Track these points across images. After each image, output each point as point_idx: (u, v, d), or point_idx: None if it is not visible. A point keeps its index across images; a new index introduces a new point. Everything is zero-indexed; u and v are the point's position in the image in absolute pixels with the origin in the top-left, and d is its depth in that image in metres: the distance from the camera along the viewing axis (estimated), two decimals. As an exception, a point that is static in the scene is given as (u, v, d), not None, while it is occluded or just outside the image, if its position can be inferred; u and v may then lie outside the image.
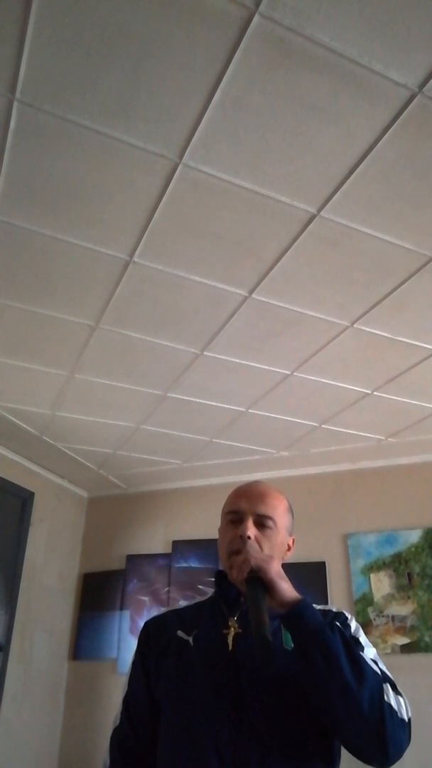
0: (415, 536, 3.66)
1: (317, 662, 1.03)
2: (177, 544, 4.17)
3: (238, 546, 1.24)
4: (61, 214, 1.85)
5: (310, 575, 3.80)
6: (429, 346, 2.56)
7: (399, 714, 1.06)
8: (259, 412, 3.21)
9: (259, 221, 1.87)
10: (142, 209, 1.83)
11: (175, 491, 4.38)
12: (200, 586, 3.98)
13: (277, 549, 1.27)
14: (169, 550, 4.17)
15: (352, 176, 1.69)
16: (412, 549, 3.64)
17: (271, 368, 2.76)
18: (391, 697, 1.05)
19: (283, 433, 3.51)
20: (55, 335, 2.49)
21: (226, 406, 3.14)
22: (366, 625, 3.57)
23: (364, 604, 3.62)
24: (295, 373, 2.80)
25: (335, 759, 1.16)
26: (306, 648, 1.05)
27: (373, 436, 3.54)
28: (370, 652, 1.13)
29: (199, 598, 1.39)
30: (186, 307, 2.30)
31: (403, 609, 3.53)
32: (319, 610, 1.18)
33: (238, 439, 3.60)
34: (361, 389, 2.95)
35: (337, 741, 1.14)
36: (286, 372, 2.79)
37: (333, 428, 3.42)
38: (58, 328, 2.43)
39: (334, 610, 1.26)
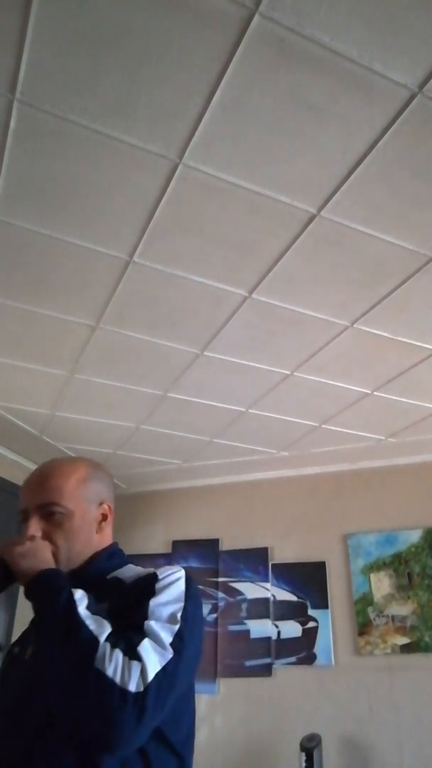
0: (415, 536, 3.66)
1: (35, 633, 0.99)
2: (177, 544, 4.17)
3: None
4: (61, 214, 1.85)
5: (310, 575, 3.80)
6: (429, 346, 2.56)
7: (117, 682, 0.87)
8: (259, 412, 3.21)
9: (259, 221, 1.87)
10: (142, 209, 1.83)
11: (175, 491, 4.38)
12: (200, 587, 3.98)
13: (77, 532, 1.14)
14: (169, 550, 4.17)
15: (352, 176, 1.69)
16: (412, 549, 3.64)
17: (271, 368, 2.76)
18: (110, 663, 0.88)
19: (283, 433, 3.51)
20: (55, 335, 2.49)
21: (226, 406, 3.14)
22: (366, 625, 3.57)
23: (364, 604, 3.62)
24: (295, 373, 2.80)
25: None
26: (34, 621, 1.01)
27: (373, 436, 3.54)
28: (159, 612, 0.98)
29: None
30: (186, 307, 2.30)
31: (403, 609, 3.53)
32: (142, 576, 1.09)
33: (238, 439, 3.60)
34: (361, 389, 2.95)
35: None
36: (286, 372, 2.79)
37: (333, 428, 3.42)
38: (58, 328, 2.43)
39: (150, 572, 1.09)
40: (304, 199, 1.78)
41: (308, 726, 3.31)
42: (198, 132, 1.57)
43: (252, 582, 3.92)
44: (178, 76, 1.43)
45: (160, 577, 1.06)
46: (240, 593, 3.91)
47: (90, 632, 0.92)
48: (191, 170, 1.69)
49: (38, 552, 1.05)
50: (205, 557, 4.08)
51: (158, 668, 0.91)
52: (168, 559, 4.11)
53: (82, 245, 1.97)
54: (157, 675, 0.90)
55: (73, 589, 0.99)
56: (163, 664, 0.92)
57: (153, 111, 1.52)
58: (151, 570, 1.11)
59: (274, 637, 3.73)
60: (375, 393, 2.98)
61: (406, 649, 3.45)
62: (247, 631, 3.79)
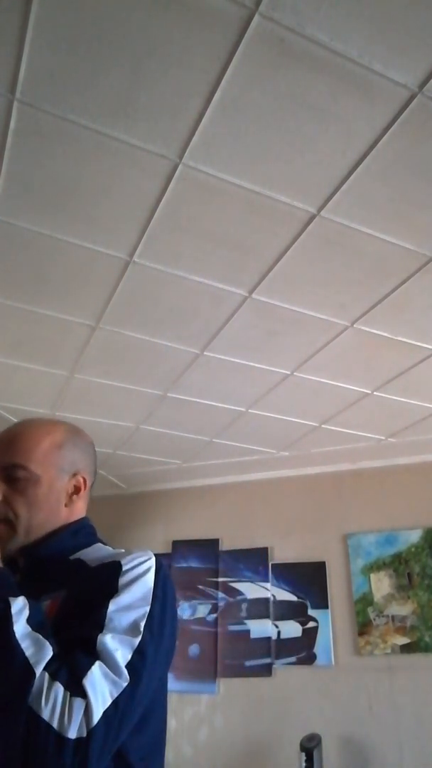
0: (415, 536, 3.66)
1: None
2: (177, 544, 4.17)
3: None
4: (61, 214, 1.85)
5: (310, 575, 3.80)
6: (429, 346, 2.56)
7: (54, 726, 0.72)
8: (259, 412, 3.21)
9: (259, 221, 1.87)
10: (142, 209, 1.83)
11: (175, 491, 4.38)
12: (200, 587, 3.99)
13: (41, 501, 1.01)
14: (169, 550, 4.17)
15: (352, 176, 1.69)
16: (412, 549, 3.65)
17: (271, 368, 2.76)
18: (47, 701, 0.73)
19: (283, 433, 3.51)
20: (55, 335, 2.49)
21: (226, 406, 3.14)
22: (366, 625, 3.57)
23: (364, 604, 3.62)
24: (295, 373, 2.79)
25: None
26: None
27: (373, 436, 3.54)
28: (119, 620, 0.84)
29: None
30: (186, 307, 2.30)
31: (403, 609, 3.53)
32: (106, 563, 0.95)
33: (238, 439, 3.60)
34: (361, 389, 2.95)
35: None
36: (286, 372, 2.79)
37: (333, 428, 3.42)
38: (58, 328, 2.43)
39: (114, 560, 0.95)
40: (304, 199, 1.78)
41: (308, 726, 3.31)
42: (198, 132, 1.57)
43: (252, 582, 3.92)
44: (178, 76, 1.43)
45: (124, 568, 0.91)
46: (240, 593, 3.91)
47: (25, 659, 0.76)
48: (191, 170, 1.69)
49: None
50: (205, 557, 4.08)
51: (108, 704, 0.76)
52: (168, 559, 4.11)
53: (82, 245, 1.97)
54: (105, 714, 0.75)
55: (11, 598, 0.82)
56: (115, 696, 0.77)
57: (153, 111, 1.52)
58: (116, 555, 0.97)
59: (274, 637, 3.73)
60: (375, 393, 2.98)
61: (406, 649, 3.45)
62: (247, 631, 3.79)
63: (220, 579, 3.99)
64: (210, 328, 2.44)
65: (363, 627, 3.57)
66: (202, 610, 3.92)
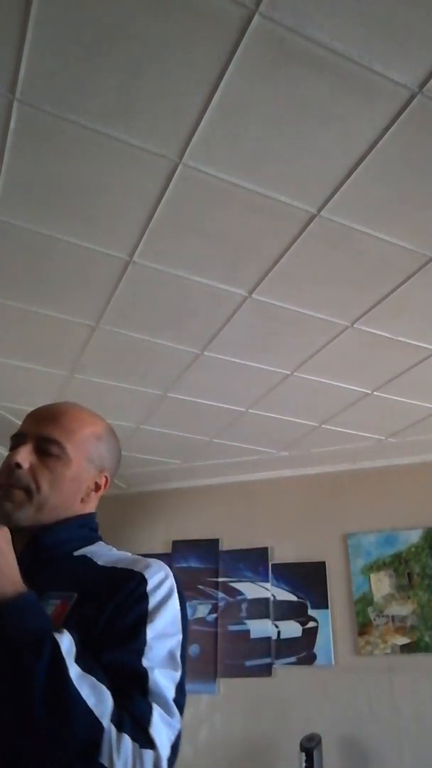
0: (415, 536, 3.66)
1: (4, 694, 0.71)
2: (177, 544, 4.17)
3: (3, 478, 0.95)
4: (61, 214, 1.85)
5: (310, 575, 3.80)
6: (429, 346, 2.56)
7: None
8: (259, 412, 3.21)
9: (259, 221, 1.87)
10: (142, 209, 1.83)
11: (175, 491, 4.38)
12: (200, 587, 3.99)
13: (65, 484, 0.98)
14: (169, 550, 4.17)
15: (352, 176, 1.69)
16: (412, 549, 3.64)
17: (271, 368, 2.76)
18: (119, 756, 0.70)
19: (283, 433, 3.51)
20: (55, 335, 2.49)
21: (226, 406, 3.14)
22: (366, 625, 3.57)
23: (364, 604, 3.62)
24: (295, 373, 2.80)
25: None
26: None
27: (373, 436, 3.54)
28: (157, 650, 0.81)
29: None
30: (186, 307, 2.30)
31: (403, 609, 3.53)
32: (119, 569, 0.91)
33: (238, 439, 3.60)
34: (361, 389, 2.95)
35: None
36: (286, 372, 2.79)
37: (333, 428, 3.42)
38: (58, 328, 2.43)
39: (135, 569, 0.90)
40: (304, 199, 1.78)
41: (308, 726, 3.31)
42: (198, 132, 1.57)
43: (252, 582, 3.92)
44: (178, 76, 1.43)
45: (150, 585, 0.88)
46: (240, 593, 3.91)
47: (90, 713, 0.70)
48: (191, 170, 1.69)
49: (5, 558, 0.80)
50: (205, 557, 4.08)
51: (169, 749, 0.75)
52: (168, 559, 4.11)
53: (82, 245, 1.97)
54: (168, 759, 0.75)
55: (57, 634, 0.74)
56: (173, 740, 0.77)
57: (153, 111, 1.52)
58: (131, 563, 0.93)
59: (274, 637, 3.72)
60: (375, 393, 2.98)
61: (406, 649, 3.45)
62: (247, 631, 3.78)
63: (220, 579, 3.99)
64: (210, 328, 2.44)
65: (363, 627, 3.57)
66: (202, 610, 3.92)
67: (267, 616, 3.79)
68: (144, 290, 2.20)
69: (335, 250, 1.98)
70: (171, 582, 0.91)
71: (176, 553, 4.14)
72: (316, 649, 3.61)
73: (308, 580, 3.79)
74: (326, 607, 3.70)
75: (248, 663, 3.67)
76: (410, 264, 2.05)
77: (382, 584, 3.63)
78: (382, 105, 1.49)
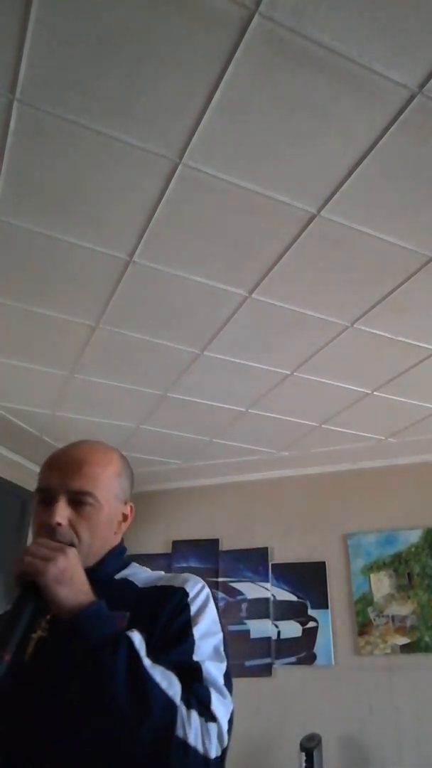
0: (415, 536, 3.66)
1: (86, 690, 0.84)
2: (177, 544, 4.17)
3: (46, 537, 1.01)
4: (61, 214, 1.85)
5: (310, 575, 3.80)
6: (429, 346, 2.56)
7: (200, 750, 0.83)
8: (259, 412, 3.21)
9: (259, 221, 1.87)
10: (142, 209, 1.83)
11: (175, 491, 4.38)
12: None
13: (102, 528, 1.05)
14: (169, 550, 4.17)
15: (352, 176, 1.69)
16: (412, 549, 3.64)
17: (271, 368, 2.76)
18: (191, 728, 0.83)
19: (283, 433, 3.51)
20: (55, 335, 2.49)
21: (226, 406, 3.14)
22: (366, 625, 3.57)
23: (364, 604, 3.62)
24: (295, 373, 2.80)
25: None
26: (78, 669, 0.85)
27: (373, 436, 3.54)
28: (205, 648, 0.95)
29: None
30: (186, 307, 2.30)
31: (403, 609, 3.53)
32: (160, 587, 1.03)
33: (238, 439, 3.60)
34: (361, 389, 2.95)
35: None
36: (286, 372, 2.79)
37: (333, 428, 3.42)
38: (58, 328, 2.43)
39: (176, 585, 1.03)
40: (304, 199, 1.78)
41: (308, 726, 3.31)
42: (198, 132, 1.57)
43: (252, 582, 3.92)
44: (178, 76, 1.43)
45: (191, 595, 1.00)
46: (240, 593, 3.91)
47: (164, 694, 0.83)
48: (191, 170, 1.69)
49: (75, 574, 0.91)
50: (205, 557, 4.08)
51: (227, 723, 0.89)
52: (168, 559, 4.11)
53: (82, 245, 1.97)
54: (228, 732, 0.89)
55: (129, 633, 0.87)
56: (228, 715, 0.90)
57: (153, 111, 1.52)
58: (170, 579, 1.06)
59: (274, 637, 3.72)
60: (375, 393, 2.98)
61: (406, 649, 3.45)
62: (247, 631, 3.78)
63: (220, 579, 3.99)
64: (210, 328, 2.43)
65: (363, 627, 3.57)
66: (202, 610, 3.92)
67: (267, 616, 3.79)
68: (144, 290, 2.20)
69: (335, 250, 1.98)
70: (207, 591, 1.04)
71: (176, 553, 4.14)
72: (316, 649, 3.61)
73: (308, 580, 3.79)
74: (326, 607, 3.70)
75: (248, 663, 3.67)
76: (410, 264, 2.05)
77: (382, 584, 3.63)
78: (382, 105, 1.49)
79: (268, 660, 3.66)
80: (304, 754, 3.05)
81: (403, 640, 3.47)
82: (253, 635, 3.76)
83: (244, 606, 3.87)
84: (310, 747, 3.06)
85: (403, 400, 3.05)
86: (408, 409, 3.16)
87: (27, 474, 3.95)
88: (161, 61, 1.40)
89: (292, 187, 1.74)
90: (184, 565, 4.08)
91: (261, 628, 3.77)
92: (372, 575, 3.67)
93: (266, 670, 3.63)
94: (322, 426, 3.39)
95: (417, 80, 1.42)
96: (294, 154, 1.63)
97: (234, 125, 1.55)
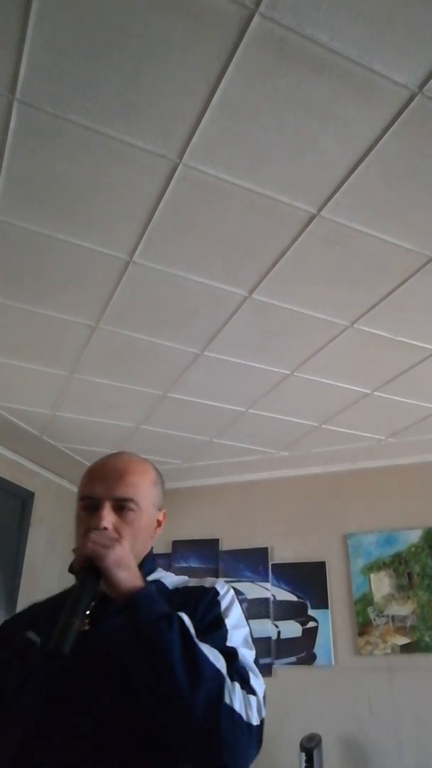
0: (415, 536, 3.66)
1: (145, 661, 0.92)
2: (177, 544, 4.17)
3: None
4: (61, 214, 1.85)
5: (310, 575, 3.80)
6: (429, 346, 2.56)
7: (244, 717, 0.93)
8: (259, 412, 3.21)
9: (259, 221, 1.87)
10: (142, 209, 1.83)
11: (175, 491, 4.38)
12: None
13: (142, 532, 1.14)
14: (169, 550, 4.17)
15: (352, 176, 1.69)
16: (412, 549, 3.64)
17: (271, 368, 2.76)
18: (236, 697, 0.93)
19: (283, 433, 3.51)
20: (55, 335, 2.49)
21: (226, 406, 3.14)
22: (366, 625, 3.57)
23: (364, 604, 3.62)
24: (295, 373, 2.80)
25: None
26: (135, 644, 0.94)
27: (373, 436, 3.54)
28: (236, 636, 1.07)
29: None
30: (186, 307, 2.30)
31: (403, 609, 3.53)
32: (191, 587, 1.15)
33: (238, 439, 3.60)
34: (361, 389, 2.95)
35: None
36: (286, 372, 2.79)
37: (333, 428, 3.42)
38: (58, 328, 2.43)
39: (207, 586, 1.15)
40: (304, 199, 1.78)
41: (308, 726, 3.31)
42: (198, 132, 1.57)
43: (252, 582, 3.92)
44: (178, 76, 1.43)
45: (221, 594, 1.13)
46: (240, 593, 3.91)
47: (214, 666, 0.93)
48: (191, 170, 1.69)
49: (130, 561, 1.01)
50: (205, 557, 4.08)
51: (263, 697, 0.99)
52: (168, 559, 4.11)
53: (82, 245, 1.97)
54: (264, 705, 0.99)
55: (180, 614, 0.97)
56: (262, 693, 1.01)
57: (153, 111, 1.52)
58: (199, 581, 1.17)
59: (274, 637, 3.73)
60: (375, 393, 2.98)
61: (406, 649, 3.45)
62: (247, 631, 3.78)
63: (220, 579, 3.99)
64: (210, 328, 2.44)
65: (363, 627, 3.57)
66: (202, 610, 3.92)
67: (267, 616, 3.79)
68: (144, 290, 2.20)
69: (335, 250, 1.98)
70: (232, 591, 1.17)
71: (176, 553, 4.14)
72: (316, 649, 3.61)
73: (308, 580, 3.79)
74: (326, 607, 3.70)
75: (248, 663, 3.67)
76: (410, 264, 2.05)
77: (382, 584, 3.63)
78: (382, 105, 1.49)
79: (268, 660, 3.66)
80: (304, 754, 3.05)
81: (403, 640, 3.47)
82: (253, 635, 3.76)
83: (244, 606, 3.86)
84: (310, 747, 3.06)
85: (403, 400, 3.05)
86: (408, 409, 3.16)
87: (27, 474, 3.96)
88: (161, 61, 1.40)
89: (292, 187, 1.74)
90: (184, 565, 4.08)
91: (261, 628, 3.77)
92: (372, 575, 3.67)
93: (266, 670, 3.63)
94: (322, 426, 3.39)
95: (417, 80, 1.43)
96: (294, 154, 1.63)
97: (234, 125, 1.55)
